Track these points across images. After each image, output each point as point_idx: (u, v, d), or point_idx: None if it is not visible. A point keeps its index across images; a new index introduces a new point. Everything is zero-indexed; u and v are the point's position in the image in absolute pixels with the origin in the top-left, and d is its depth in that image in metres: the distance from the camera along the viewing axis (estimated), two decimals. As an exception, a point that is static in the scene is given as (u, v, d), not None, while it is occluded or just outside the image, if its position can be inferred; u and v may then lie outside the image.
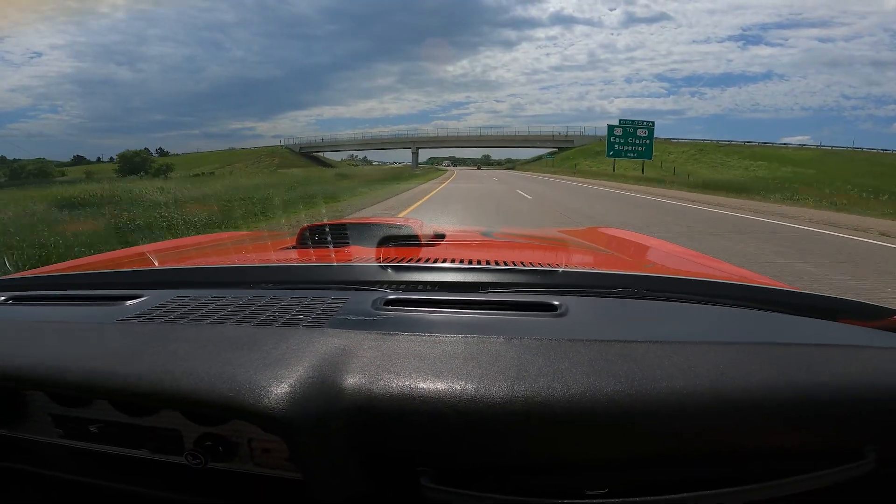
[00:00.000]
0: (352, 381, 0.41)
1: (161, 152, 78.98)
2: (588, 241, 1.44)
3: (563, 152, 51.24)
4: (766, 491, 0.41)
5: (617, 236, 1.64)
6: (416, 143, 64.72)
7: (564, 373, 0.41)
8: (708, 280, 0.77)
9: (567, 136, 59.09)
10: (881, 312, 0.61)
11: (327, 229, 1.23)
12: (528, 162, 68.20)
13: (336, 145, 72.86)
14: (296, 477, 0.45)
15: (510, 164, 78.55)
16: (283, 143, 77.50)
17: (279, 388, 0.39)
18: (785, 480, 0.41)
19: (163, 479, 0.50)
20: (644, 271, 0.91)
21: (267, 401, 0.39)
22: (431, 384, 0.41)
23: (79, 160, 79.83)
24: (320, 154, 76.72)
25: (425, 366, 0.43)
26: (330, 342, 0.47)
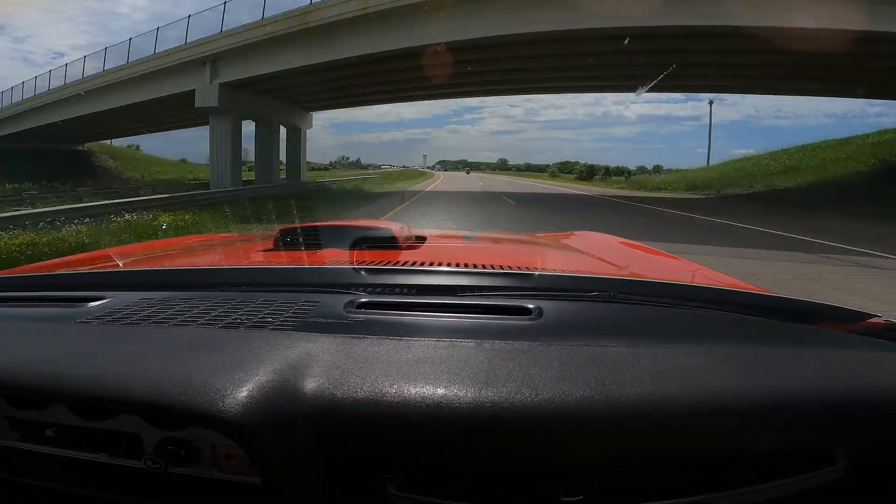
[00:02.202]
0: (314, 385, 0.41)
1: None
2: (569, 245, 1.43)
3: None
4: (738, 497, 0.41)
5: (598, 240, 1.63)
6: (212, 60, 14.37)
7: (534, 378, 0.41)
8: (683, 284, 0.76)
9: None
10: (857, 316, 0.61)
11: (304, 231, 1.19)
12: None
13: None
14: (259, 482, 0.44)
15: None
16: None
17: (237, 392, 0.38)
18: (756, 487, 0.41)
19: (126, 484, 0.48)
20: (621, 275, 0.91)
21: (222, 405, 0.38)
22: (398, 389, 0.40)
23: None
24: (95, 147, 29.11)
25: (393, 370, 0.42)
26: (295, 345, 0.46)
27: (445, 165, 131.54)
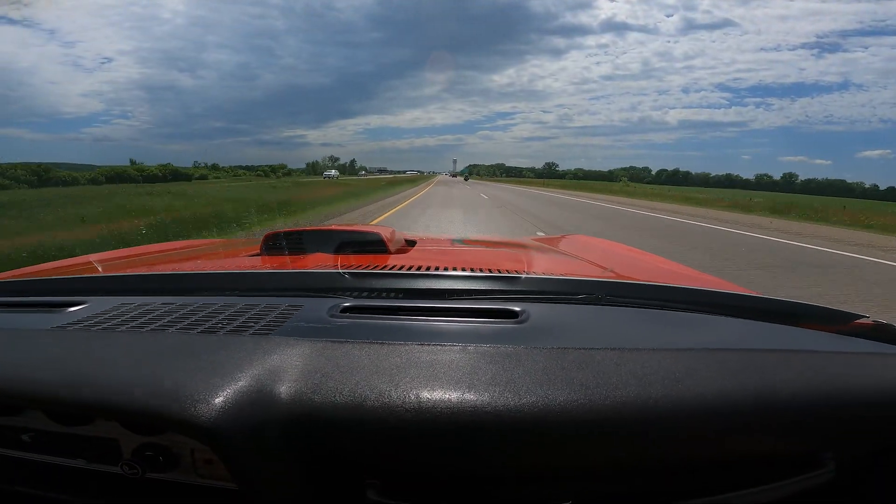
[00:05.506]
0: (292, 389, 0.40)
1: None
2: (559, 248, 1.41)
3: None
4: (727, 502, 0.41)
5: (586, 243, 1.62)
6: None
7: (517, 381, 0.41)
8: (670, 286, 0.75)
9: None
10: (843, 317, 0.61)
11: (291, 236, 1.19)
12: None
13: None
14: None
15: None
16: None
17: (210, 397, 0.38)
18: (745, 491, 0.41)
19: (103, 489, 0.48)
20: (607, 277, 0.91)
21: (194, 409, 0.37)
22: (378, 393, 0.40)
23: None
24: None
25: (374, 374, 0.42)
26: (275, 350, 0.45)
27: (454, 172, 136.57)
